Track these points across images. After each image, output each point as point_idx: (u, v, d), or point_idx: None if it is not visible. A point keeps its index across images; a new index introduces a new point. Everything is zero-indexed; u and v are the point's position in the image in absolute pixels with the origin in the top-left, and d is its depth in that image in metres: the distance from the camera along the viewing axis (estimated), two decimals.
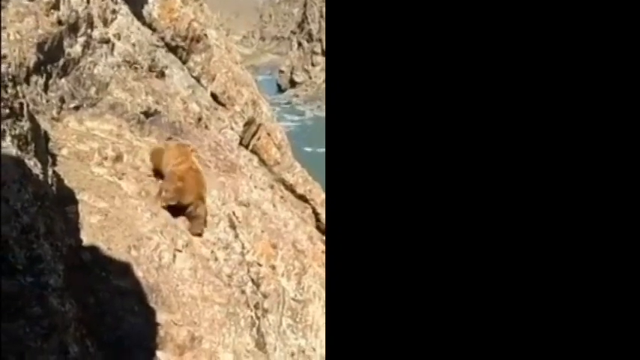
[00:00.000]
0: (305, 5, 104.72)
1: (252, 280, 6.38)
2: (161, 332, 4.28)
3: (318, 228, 11.57)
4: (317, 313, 8.39)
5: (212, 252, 5.64)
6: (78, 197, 4.69)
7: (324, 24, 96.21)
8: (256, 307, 5.88)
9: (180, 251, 5.14)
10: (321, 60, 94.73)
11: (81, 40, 6.31)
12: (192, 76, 9.66)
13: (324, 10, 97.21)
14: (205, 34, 10.34)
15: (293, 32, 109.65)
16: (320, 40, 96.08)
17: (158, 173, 5.91)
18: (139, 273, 4.54)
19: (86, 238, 4.39)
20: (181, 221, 5.59)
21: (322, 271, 9.70)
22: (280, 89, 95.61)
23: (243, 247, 6.47)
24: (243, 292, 5.67)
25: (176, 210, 5.60)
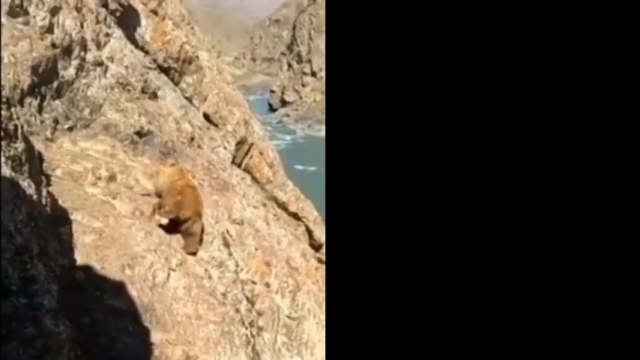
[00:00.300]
0: (294, 28, 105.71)
1: (247, 298, 6.31)
2: (156, 352, 4.20)
3: (311, 245, 11.52)
4: (312, 330, 8.31)
5: (206, 270, 5.58)
6: (72, 217, 4.63)
7: (312, 46, 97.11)
8: (251, 325, 5.81)
9: (174, 270, 5.08)
10: (310, 80, 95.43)
11: (75, 62, 6.29)
12: (185, 97, 9.66)
13: (312, 32, 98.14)
14: (197, 56, 10.36)
15: (283, 54, 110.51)
16: (309, 61, 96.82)
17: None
18: (133, 292, 4.48)
19: (80, 258, 4.33)
20: (175, 240, 5.53)
21: (316, 288, 9.64)
22: (272, 109, 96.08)
23: (237, 265, 6.42)
24: (237, 310, 5.60)
25: (172, 226, 5.55)
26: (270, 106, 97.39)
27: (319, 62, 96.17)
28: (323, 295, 10.08)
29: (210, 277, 5.54)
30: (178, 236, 5.60)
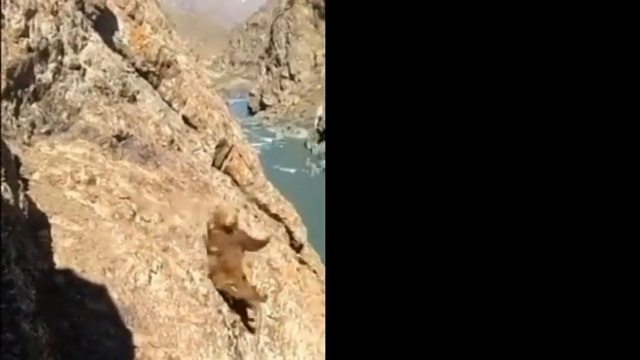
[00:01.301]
0: (272, 32, 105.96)
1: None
2: (138, 355, 4.13)
3: (291, 246, 11.51)
4: (294, 330, 8.29)
5: (187, 272, 5.51)
6: (50, 221, 4.53)
7: (290, 49, 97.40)
8: (233, 325, 5.75)
9: (155, 272, 5.00)
10: (288, 84, 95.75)
11: (51, 66, 6.18)
12: (164, 100, 9.57)
13: (290, 36, 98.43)
14: (175, 60, 10.28)
15: (261, 57, 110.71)
16: (287, 65, 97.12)
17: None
18: (114, 295, 4.39)
19: (59, 262, 4.24)
20: (156, 242, 5.46)
21: (297, 289, 9.61)
22: (251, 112, 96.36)
23: None
24: (219, 311, 5.54)
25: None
26: (250, 109, 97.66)
27: (297, 65, 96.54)
28: (304, 295, 10.07)
29: (192, 279, 5.47)
30: (159, 239, 5.53)
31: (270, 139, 78.59)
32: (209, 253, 5.71)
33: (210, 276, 5.69)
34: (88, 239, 4.68)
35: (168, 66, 9.97)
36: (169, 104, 9.73)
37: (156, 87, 9.56)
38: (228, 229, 5.75)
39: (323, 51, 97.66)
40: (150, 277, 4.90)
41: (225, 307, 5.77)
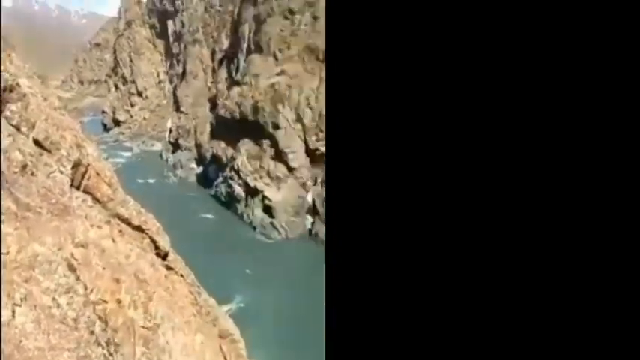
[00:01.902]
0: (115, 51, 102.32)
1: (100, 318, 5.77)
2: None
3: (157, 254, 11.02)
4: (168, 334, 7.95)
5: (54, 299, 4.98)
6: None
7: (134, 68, 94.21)
8: (108, 343, 5.32)
9: (19, 305, 4.45)
10: (138, 100, 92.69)
11: None
12: (11, 125, 8.56)
13: (132, 55, 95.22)
14: (18, 84, 9.25)
15: (108, 75, 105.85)
16: (134, 82, 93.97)
17: None
18: None
19: None
20: (17, 274, 4.86)
21: (167, 295, 9.20)
22: (106, 128, 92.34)
23: (85, 288, 5.83)
24: (92, 332, 5.09)
25: None
26: (105, 126, 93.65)
27: (143, 82, 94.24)
28: (174, 299, 9.67)
29: (59, 305, 4.96)
30: (20, 269, 4.93)
31: (128, 154, 75.92)
32: None
33: None
34: None
35: (12, 90, 8.94)
36: (17, 129, 8.73)
37: (0, 112, 8.52)
38: None
39: (164, 68, 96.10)
40: (14, 311, 4.35)
41: (97, 327, 5.31)
